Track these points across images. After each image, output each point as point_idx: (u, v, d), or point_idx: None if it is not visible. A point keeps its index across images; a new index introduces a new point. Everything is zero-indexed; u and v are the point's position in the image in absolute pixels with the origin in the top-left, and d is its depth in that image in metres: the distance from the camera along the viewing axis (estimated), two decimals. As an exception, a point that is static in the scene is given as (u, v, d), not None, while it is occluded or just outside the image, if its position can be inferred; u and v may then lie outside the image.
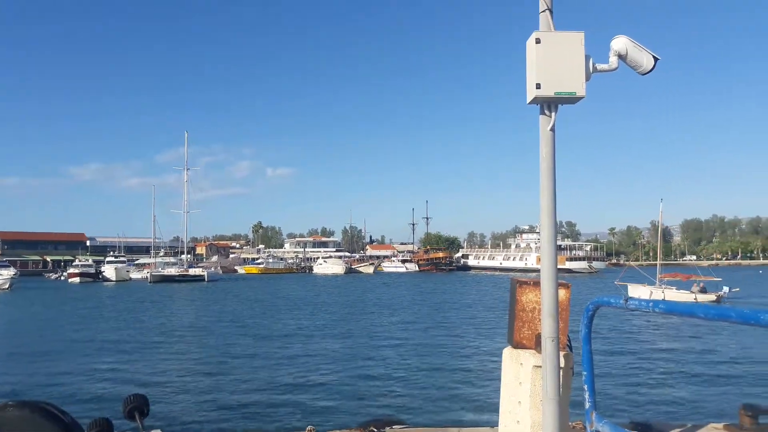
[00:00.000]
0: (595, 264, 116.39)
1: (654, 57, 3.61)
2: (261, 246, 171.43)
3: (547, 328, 3.59)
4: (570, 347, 3.95)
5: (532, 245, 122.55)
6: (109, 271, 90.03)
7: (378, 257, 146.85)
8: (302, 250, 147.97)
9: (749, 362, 18.40)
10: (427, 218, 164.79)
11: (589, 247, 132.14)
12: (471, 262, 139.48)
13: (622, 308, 2.85)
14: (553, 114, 3.64)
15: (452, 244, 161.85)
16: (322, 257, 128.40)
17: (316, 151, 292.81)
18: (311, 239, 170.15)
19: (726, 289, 41.51)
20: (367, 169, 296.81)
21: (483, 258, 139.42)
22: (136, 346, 23.25)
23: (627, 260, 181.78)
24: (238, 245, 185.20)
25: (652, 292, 41.16)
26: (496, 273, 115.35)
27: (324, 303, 44.53)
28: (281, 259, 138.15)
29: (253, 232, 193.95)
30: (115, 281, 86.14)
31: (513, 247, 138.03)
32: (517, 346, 4.18)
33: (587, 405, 3.38)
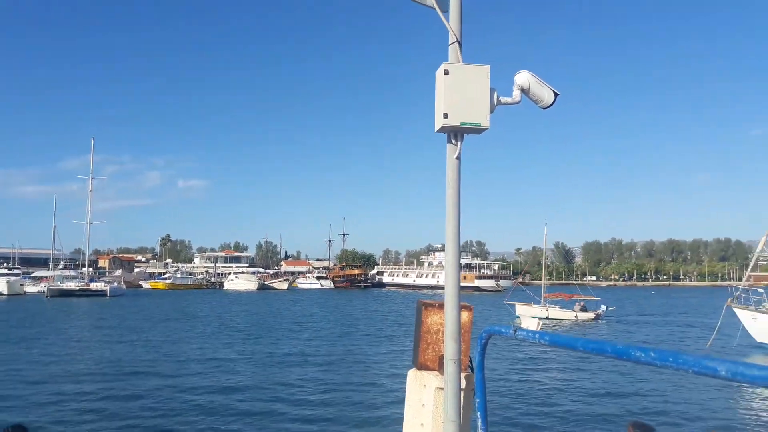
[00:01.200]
0: (502, 282, 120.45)
1: (554, 92, 3.82)
2: (169, 260, 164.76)
3: (449, 350, 3.67)
4: (472, 368, 4.06)
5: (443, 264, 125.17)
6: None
7: (293, 273, 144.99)
8: (213, 265, 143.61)
9: (639, 380, 19.57)
10: (344, 235, 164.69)
11: (497, 266, 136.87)
12: (386, 279, 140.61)
13: (512, 338, 2.96)
14: (459, 143, 3.75)
15: (368, 261, 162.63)
16: (234, 273, 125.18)
17: (231, 163, 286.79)
18: (223, 254, 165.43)
19: (603, 307, 45.16)
20: (284, 183, 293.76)
21: (397, 275, 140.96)
22: (17, 368, 21.50)
23: (532, 279, 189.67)
24: (144, 259, 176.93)
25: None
26: (410, 290, 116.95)
27: (228, 320, 43.28)
28: (190, 274, 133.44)
29: (160, 245, 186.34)
30: (7, 295, 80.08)
31: (426, 265, 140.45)
32: (422, 367, 4.25)
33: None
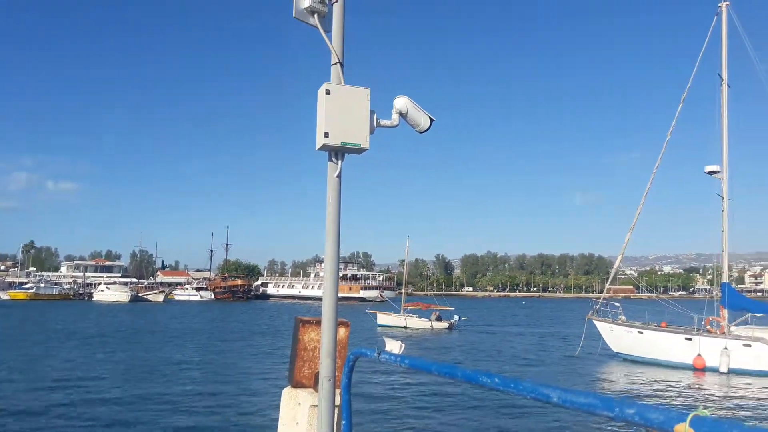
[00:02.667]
0: (386, 293, 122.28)
1: (430, 118, 3.99)
2: (32, 269, 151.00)
3: (325, 367, 3.69)
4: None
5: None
6: None
7: (170, 284, 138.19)
8: (82, 274, 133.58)
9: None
10: (227, 244, 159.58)
11: (382, 277, 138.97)
12: (270, 290, 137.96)
13: (376, 361, 3.04)
14: (339, 162, 3.81)
15: (252, 271, 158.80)
16: (105, 283, 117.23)
17: (107, 166, 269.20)
18: (93, 263, 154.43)
19: (457, 317, 48.17)
20: (162, 189, 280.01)
21: (283, 286, 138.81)
22: None
23: (415, 290, 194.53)
24: (3, 267, 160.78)
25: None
26: (296, 301, 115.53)
27: (88, 334, 40.37)
28: (56, 284, 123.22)
29: (22, 252, 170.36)
30: None
31: (312, 275, 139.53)
32: (297, 385, 4.23)
33: None
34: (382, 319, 47.52)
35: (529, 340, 40.36)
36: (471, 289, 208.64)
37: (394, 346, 3.60)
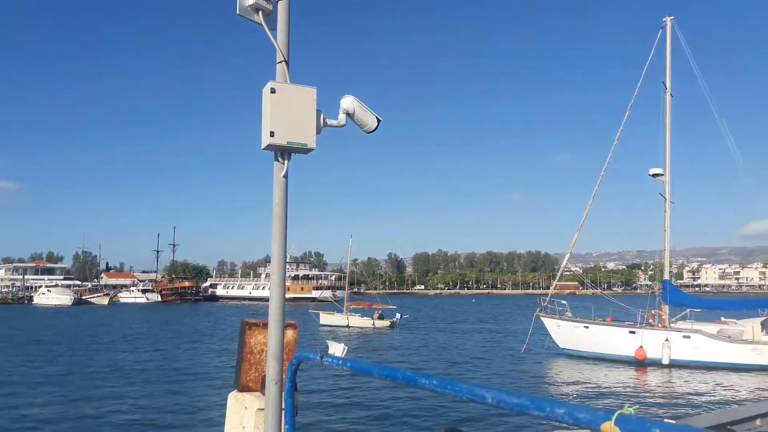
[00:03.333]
0: (339, 293, 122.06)
1: (377, 118, 3.98)
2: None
3: (271, 370, 3.64)
4: (295, 387, 4.05)
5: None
6: None
7: (115, 287, 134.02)
8: (21, 277, 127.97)
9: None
10: (174, 245, 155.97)
11: (334, 276, 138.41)
12: (220, 291, 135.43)
13: (319, 364, 3.03)
14: (286, 162, 3.75)
15: (201, 273, 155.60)
16: (46, 286, 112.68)
17: (48, 165, 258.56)
18: (33, 265, 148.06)
19: (398, 316, 48.92)
20: (105, 189, 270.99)
21: (232, 287, 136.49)
22: None
23: (367, 289, 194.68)
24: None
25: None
26: (246, 303, 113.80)
27: (24, 339, 38.80)
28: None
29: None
30: None
31: (263, 276, 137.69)
32: (243, 389, 4.15)
33: None
34: (325, 318, 47.93)
35: (477, 337, 40.95)
36: (422, 287, 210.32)
37: (337, 349, 3.59)
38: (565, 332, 29.05)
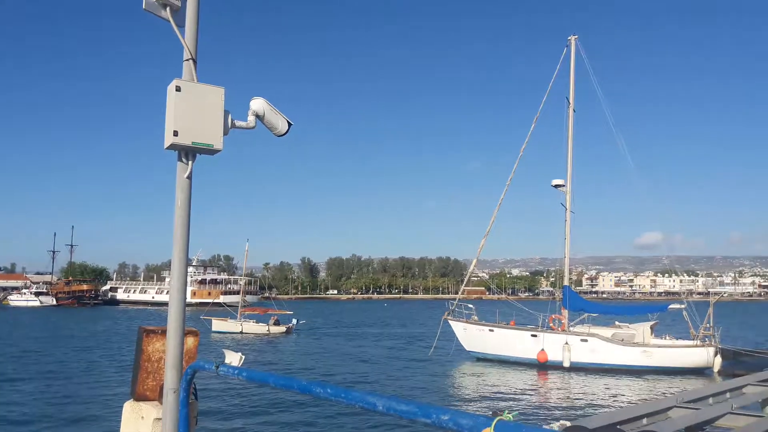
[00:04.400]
0: (249, 298, 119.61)
1: (288, 122, 3.94)
2: None
3: (169, 379, 3.51)
4: (195, 395, 3.93)
5: (189, 278, 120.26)
6: None
7: (5, 289, 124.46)
8: None
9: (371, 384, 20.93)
10: (72, 245, 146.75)
11: (244, 281, 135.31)
12: (120, 295, 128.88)
13: (214, 374, 2.98)
14: (190, 162, 3.64)
15: (100, 275, 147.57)
16: None
17: None
18: None
19: (295, 321, 48.54)
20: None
21: (134, 291, 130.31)
22: None
23: (279, 294, 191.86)
24: None
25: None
26: (149, 308, 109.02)
27: None
28: None
29: None
30: None
31: (167, 280, 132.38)
32: (140, 398, 3.97)
33: None
34: (217, 325, 46.32)
35: (387, 341, 41.40)
36: (336, 292, 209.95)
37: (233, 358, 3.51)
38: (471, 335, 29.92)
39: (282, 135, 3.95)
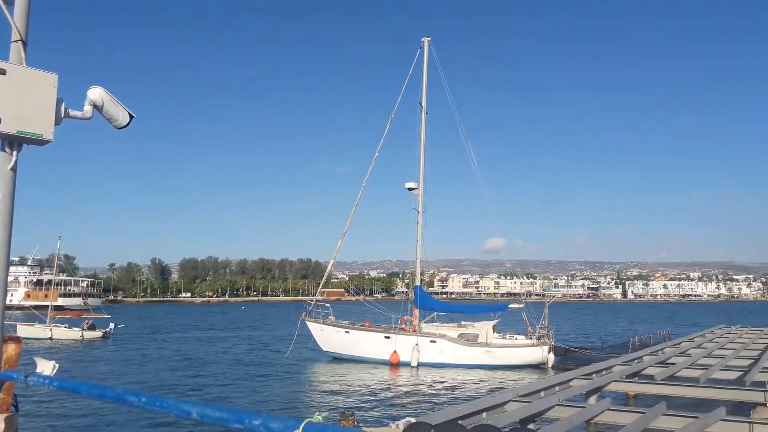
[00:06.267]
0: (91, 301, 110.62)
1: (130, 114, 3.76)
2: None
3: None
4: (16, 407, 3.60)
5: (21, 279, 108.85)
6: None
7: None
8: None
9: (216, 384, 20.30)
10: None
11: (86, 282, 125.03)
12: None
13: (23, 384, 2.81)
14: (15, 153, 3.35)
15: None
16: None
17: None
18: None
19: (112, 325, 46.01)
20: None
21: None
22: None
23: (125, 296, 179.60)
24: None
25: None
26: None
27: None
28: None
29: None
30: None
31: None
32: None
33: None
34: (23, 330, 40.76)
35: (242, 344, 40.44)
36: (189, 294, 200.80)
37: (45, 367, 3.29)
38: (328, 336, 30.15)
39: (123, 127, 3.77)
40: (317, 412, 1.68)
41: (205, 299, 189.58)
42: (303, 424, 1.58)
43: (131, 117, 3.75)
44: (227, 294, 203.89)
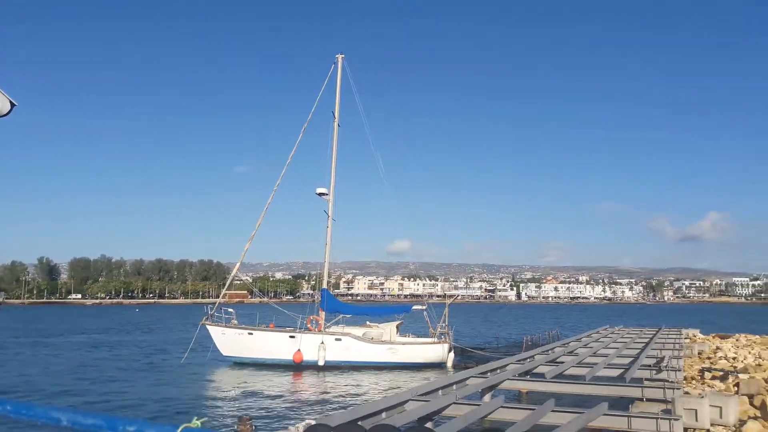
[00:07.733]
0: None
1: (11, 102, 3.52)
2: None
3: None
4: None
5: None
6: None
7: None
8: None
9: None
10: None
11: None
12: None
13: None
14: None
15: None
16: None
17: None
18: None
19: None
20: None
21: None
22: None
23: (8, 297, 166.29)
24: None
25: None
26: None
27: None
28: None
29: None
30: None
31: None
32: None
33: None
34: None
35: (132, 349, 38.38)
36: (80, 296, 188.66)
37: None
38: (229, 339, 29.38)
39: (3, 116, 3.52)
40: (195, 417, 1.63)
41: (97, 301, 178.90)
42: (179, 429, 1.54)
43: (13, 105, 3.50)
44: (121, 296, 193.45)
